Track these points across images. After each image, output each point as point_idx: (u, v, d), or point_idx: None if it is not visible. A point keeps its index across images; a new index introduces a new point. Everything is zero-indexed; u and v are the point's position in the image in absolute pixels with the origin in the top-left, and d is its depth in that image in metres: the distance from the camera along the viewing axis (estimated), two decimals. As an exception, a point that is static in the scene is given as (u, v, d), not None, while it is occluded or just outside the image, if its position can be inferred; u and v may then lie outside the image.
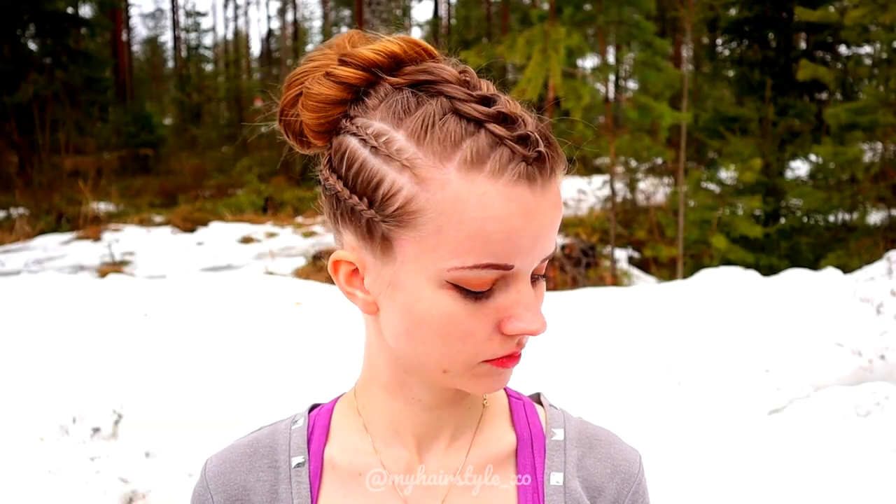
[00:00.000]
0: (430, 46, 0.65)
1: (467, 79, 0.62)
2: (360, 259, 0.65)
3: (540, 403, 0.80)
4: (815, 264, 9.54)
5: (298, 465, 0.74)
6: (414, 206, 0.59)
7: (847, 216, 12.19)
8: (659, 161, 13.54)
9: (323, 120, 0.65)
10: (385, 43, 0.64)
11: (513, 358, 0.65)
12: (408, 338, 0.64)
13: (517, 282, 0.62)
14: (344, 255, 0.66)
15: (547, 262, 0.64)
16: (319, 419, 0.77)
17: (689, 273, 9.21)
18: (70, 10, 21.26)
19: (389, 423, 0.72)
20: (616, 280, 10.03)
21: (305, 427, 0.76)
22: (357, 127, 0.62)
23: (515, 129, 0.59)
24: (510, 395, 0.79)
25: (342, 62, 0.64)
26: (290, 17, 37.58)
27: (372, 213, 0.61)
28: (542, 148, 0.59)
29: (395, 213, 0.60)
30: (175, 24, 36.43)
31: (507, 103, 0.61)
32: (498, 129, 0.58)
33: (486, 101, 0.60)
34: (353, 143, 0.63)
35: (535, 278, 0.64)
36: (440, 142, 0.58)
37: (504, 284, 0.61)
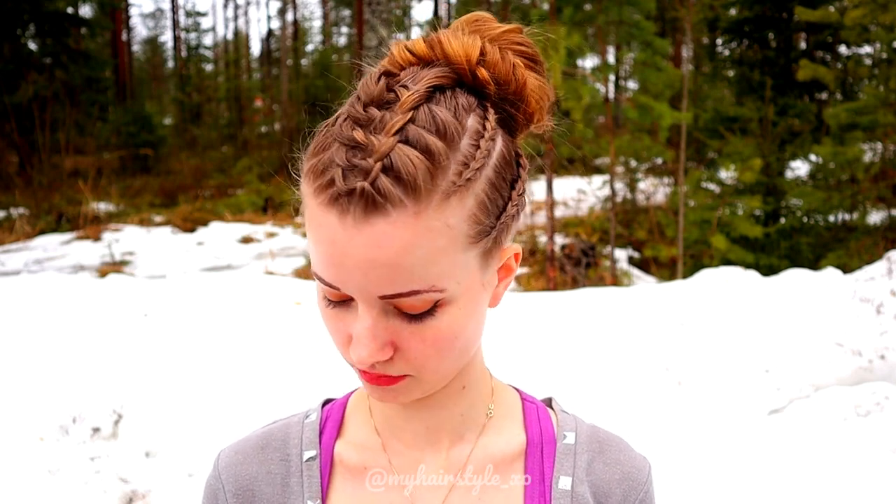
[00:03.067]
0: (453, 51, 0.61)
1: (372, 94, 0.59)
2: None
3: (552, 408, 0.80)
4: (815, 264, 9.54)
5: (310, 458, 0.74)
6: (303, 205, 0.62)
7: (847, 216, 12.19)
8: (659, 161, 13.53)
9: None
10: (415, 42, 0.63)
11: (369, 377, 0.64)
12: None
13: (360, 309, 0.60)
14: None
15: (435, 301, 0.59)
16: (332, 414, 0.78)
17: (689, 273, 9.20)
18: (70, 10, 21.26)
19: (391, 419, 0.73)
20: (616, 280, 10.02)
21: (318, 421, 0.77)
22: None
23: (354, 158, 0.56)
24: (524, 398, 0.79)
25: (389, 59, 0.64)
26: (290, 17, 37.57)
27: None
28: (364, 184, 0.55)
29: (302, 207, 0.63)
30: (175, 24, 36.44)
31: (378, 126, 0.57)
32: (337, 153, 0.57)
33: (363, 122, 0.57)
34: None
35: (411, 317, 0.60)
36: (312, 147, 0.61)
37: (354, 306, 0.61)
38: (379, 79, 0.60)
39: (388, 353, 0.61)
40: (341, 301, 0.62)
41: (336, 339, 0.64)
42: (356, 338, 0.60)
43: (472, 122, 0.60)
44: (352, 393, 0.80)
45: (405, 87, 0.59)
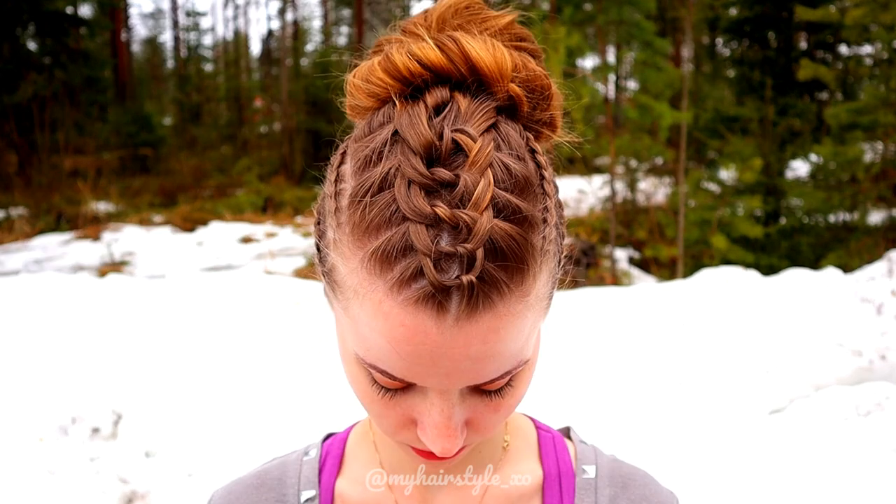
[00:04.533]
0: (483, 60, 0.51)
1: (435, 151, 0.48)
2: None
3: (569, 438, 0.74)
4: (815, 264, 9.53)
5: (308, 500, 0.68)
6: (336, 276, 0.52)
7: (847, 216, 12.18)
8: (659, 161, 13.53)
9: (353, 115, 0.57)
10: (427, 50, 0.51)
11: (433, 457, 0.56)
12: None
13: (435, 395, 0.52)
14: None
15: (511, 375, 0.53)
16: (332, 450, 0.72)
17: (689, 273, 9.20)
18: (70, 9, 21.24)
19: (393, 456, 0.67)
20: (616, 280, 10.02)
21: (317, 459, 0.71)
22: (339, 154, 0.55)
23: (443, 243, 0.46)
24: (539, 427, 0.73)
25: (381, 64, 0.53)
26: (289, 17, 37.58)
27: (318, 258, 0.55)
28: (470, 276, 0.45)
29: (327, 272, 0.53)
30: (175, 23, 36.43)
31: (465, 196, 0.46)
32: (418, 237, 0.45)
33: (436, 187, 0.47)
34: (329, 174, 0.55)
35: (487, 392, 0.54)
36: (362, 220, 0.48)
37: (422, 389, 0.52)
38: (429, 120, 0.49)
39: (464, 435, 0.54)
40: (396, 388, 0.53)
41: (388, 421, 0.55)
42: (435, 428, 0.52)
43: (529, 159, 0.51)
44: (353, 426, 0.74)
45: (463, 132, 0.48)
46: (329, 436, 0.74)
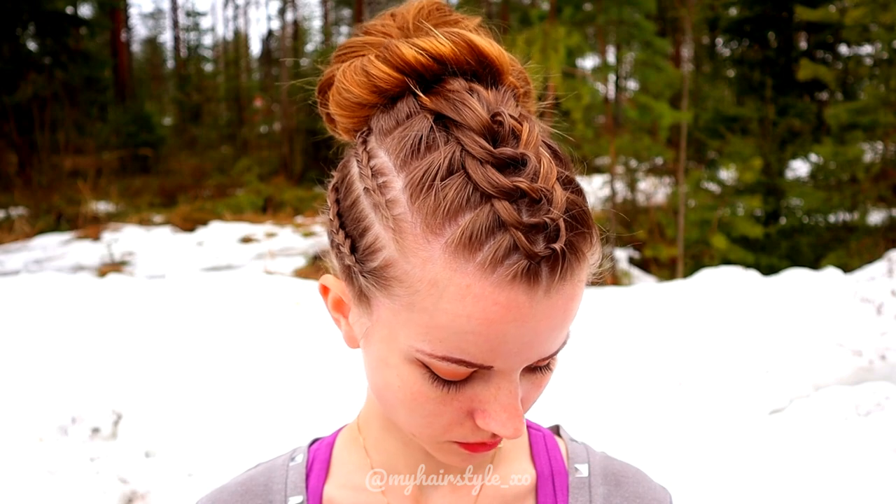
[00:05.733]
0: (491, 52, 0.53)
1: (498, 124, 0.49)
2: (344, 293, 0.57)
3: (559, 436, 0.74)
4: (815, 264, 9.54)
5: None
6: (392, 272, 0.50)
7: (847, 216, 12.19)
8: (659, 161, 13.53)
9: (348, 119, 0.56)
10: (435, 42, 0.52)
11: (486, 446, 0.56)
12: (377, 392, 0.57)
13: (499, 378, 0.52)
14: (330, 282, 0.58)
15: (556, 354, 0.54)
16: (319, 454, 0.70)
17: (689, 273, 9.20)
18: (70, 9, 21.24)
19: (390, 459, 0.66)
20: (616, 280, 10.02)
21: (304, 464, 0.69)
22: (361, 152, 0.53)
23: (532, 215, 0.47)
24: (530, 426, 0.72)
25: (381, 55, 0.53)
26: (289, 17, 37.58)
27: (353, 259, 0.53)
28: (559, 244, 0.47)
29: (373, 271, 0.51)
30: (175, 23, 36.43)
31: (536, 171, 0.48)
32: (506, 212, 0.46)
33: (508, 164, 0.48)
34: (354, 170, 0.53)
35: (536, 368, 0.55)
36: (433, 208, 0.47)
37: (483, 375, 0.52)
38: (482, 104, 0.50)
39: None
40: (458, 380, 0.52)
41: (441, 421, 0.54)
42: (505, 410, 0.52)
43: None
44: (340, 430, 0.72)
45: (510, 115, 0.50)
46: (315, 441, 0.73)
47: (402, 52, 0.51)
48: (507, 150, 0.48)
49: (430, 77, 0.52)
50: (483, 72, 0.53)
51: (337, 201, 0.55)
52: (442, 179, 0.48)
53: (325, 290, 0.59)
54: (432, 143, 0.49)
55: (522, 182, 0.46)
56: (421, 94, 0.51)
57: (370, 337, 0.54)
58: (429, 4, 0.57)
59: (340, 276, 0.56)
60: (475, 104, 0.50)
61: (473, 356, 0.49)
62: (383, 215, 0.50)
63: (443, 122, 0.50)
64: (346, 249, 0.53)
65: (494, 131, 0.49)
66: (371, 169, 0.51)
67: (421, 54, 0.51)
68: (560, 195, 0.48)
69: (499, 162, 0.47)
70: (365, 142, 0.54)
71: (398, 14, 0.57)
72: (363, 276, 0.52)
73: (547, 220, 0.46)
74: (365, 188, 0.51)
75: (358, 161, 0.53)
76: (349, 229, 0.53)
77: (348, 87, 0.54)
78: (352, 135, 0.57)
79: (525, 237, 0.46)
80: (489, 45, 0.53)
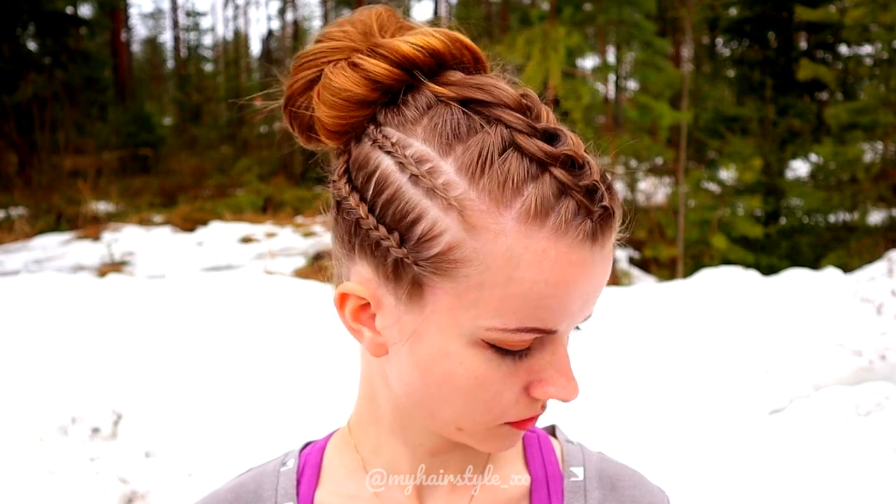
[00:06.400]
0: (478, 49, 0.56)
1: (528, 105, 0.53)
2: (375, 296, 0.55)
3: (555, 436, 0.73)
4: (815, 264, 9.54)
5: None
6: (457, 254, 0.50)
7: (847, 216, 12.19)
8: (659, 161, 13.54)
9: (343, 120, 0.55)
10: (426, 37, 0.54)
11: (533, 420, 0.59)
12: (422, 393, 0.56)
13: (554, 343, 0.55)
14: (355, 288, 0.56)
15: None
16: (310, 459, 0.69)
17: (689, 273, 9.20)
18: (70, 9, 21.24)
19: (390, 461, 0.65)
20: (616, 280, 10.02)
21: (295, 469, 0.68)
22: (393, 144, 0.53)
23: (582, 178, 0.51)
24: None
25: (374, 53, 0.54)
26: (289, 17, 37.59)
27: (403, 252, 0.52)
28: (607, 202, 0.51)
29: (432, 259, 0.51)
30: (175, 23, 36.43)
31: (572, 142, 0.52)
32: (564, 177, 0.50)
33: (550, 136, 0.51)
34: (386, 163, 0.53)
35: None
36: (500, 184, 0.49)
37: (540, 344, 0.54)
38: (512, 86, 0.54)
39: None
40: (523, 349, 0.54)
41: (505, 398, 0.55)
42: (564, 374, 0.55)
43: None
44: (332, 434, 0.71)
45: (528, 92, 0.55)
46: (307, 444, 0.72)
47: (401, 48, 0.53)
48: (544, 125, 0.52)
49: (426, 71, 0.54)
50: (471, 64, 0.56)
51: (363, 198, 0.54)
52: (500, 155, 0.50)
53: (342, 301, 0.57)
54: (472, 127, 0.51)
55: (569, 150, 0.51)
56: (434, 85, 0.53)
57: (421, 334, 0.54)
58: (384, 12, 0.58)
59: (374, 276, 0.55)
60: (503, 85, 0.53)
61: (545, 321, 0.52)
62: (443, 198, 0.50)
63: (471, 106, 0.52)
64: (391, 243, 0.52)
65: (528, 107, 0.53)
66: (413, 157, 0.52)
67: (418, 49, 0.53)
68: (593, 161, 0.52)
69: (543, 135, 0.51)
70: (382, 132, 0.54)
71: (357, 21, 0.57)
72: (417, 265, 0.52)
73: (595, 182, 0.51)
74: (412, 175, 0.51)
75: (392, 153, 0.53)
76: (391, 222, 0.52)
77: (345, 87, 0.54)
78: (339, 139, 0.56)
79: (585, 199, 0.50)
80: (471, 39, 0.56)
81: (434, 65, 0.54)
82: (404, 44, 0.53)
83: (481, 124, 0.51)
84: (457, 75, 0.54)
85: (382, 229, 0.52)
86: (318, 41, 0.57)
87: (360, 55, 0.55)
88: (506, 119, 0.51)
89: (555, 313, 0.52)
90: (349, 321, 0.58)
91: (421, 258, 0.51)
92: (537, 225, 0.49)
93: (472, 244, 0.50)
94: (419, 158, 0.52)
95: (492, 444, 0.59)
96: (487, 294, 0.50)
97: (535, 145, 0.50)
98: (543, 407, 0.57)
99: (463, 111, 0.52)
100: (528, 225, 0.49)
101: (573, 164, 0.51)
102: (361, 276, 0.56)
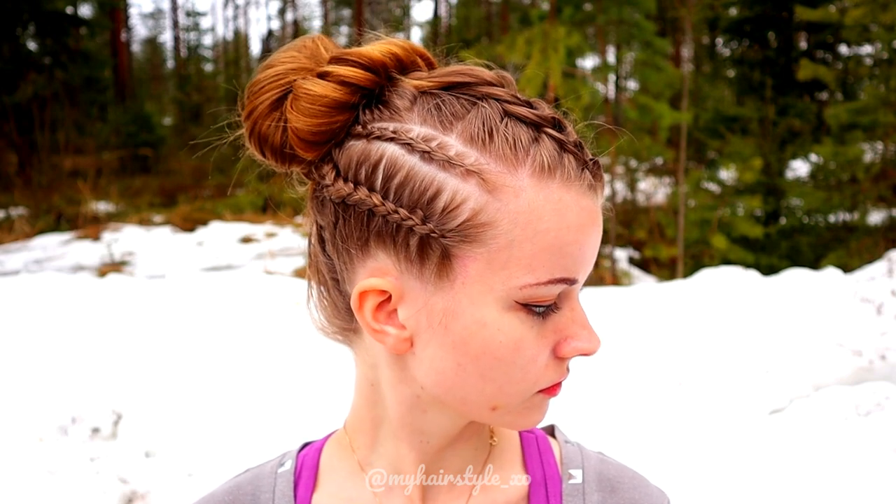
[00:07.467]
0: (429, 54, 0.61)
1: (507, 79, 0.58)
2: (397, 287, 0.56)
3: (553, 436, 0.73)
4: (815, 264, 9.54)
5: None
6: (483, 217, 0.53)
7: (847, 216, 12.19)
8: (659, 161, 13.54)
9: (325, 126, 0.56)
10: (387, 45, 0.58)
11: (560, 385, 0.60)
12: (457, 375, 0.56)
13: (571, 298, 0.58)
14: (374, 283, 0.56)
15: None
16: (307, 461, 0.69)
17: (689, 273, 9.20)
18: (70, 9, 21.22)
19: (389, 461, 0.65)
20: (616, 280, 10.02)
21: (292, 471, 0.68)
22: (394, 131, 0.55)
23: (570, 136, 0.56)
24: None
25: (342, 61, 0.57)
26: (289, 17, 37.59)
27: (429, 228, 0.53)
28: (591, 155, 0.57)
29: (459, 227, 0.53)
30: (175, 23, 36.43)
31: (546, 107, 0.57)
32: (558, 135, 0.55)
33: (531, 105, 0.56)
34: (391, 149, 0.54)
35: None
36: (510, 146, 0.53)
37: (561, 301, 0.57)
38: (490, 69, 0.60)
39: None
40: (551, 304, 0.56)
41: (540, 360, 0.57)
42: (585, 327, 0.58)
43: None
44: (329, 436, 0.71)
45: (499, 71, 0.61)
46: (305, 445, 0.72)
47: (370, 53, 0.57)
48: (523, 96, 0.57)
49: (395, 72, 0.58)
50: (425, 68, 0.60)
51: (371, 188, 0.55)
52: (500, 122, 0.54)
53: (361, 301, 0.57)
54: (466, 106, 0.55)
55: (554, 113, 0.56)
56: (407, 80, 0.57)
57: (454, 310, 0.55)
58: (325, 38, 0.61)
59: (395, 265, 0.55)
60: (478, 67, 0.58)
61: (569, 270, 0.55)
62: (460, 167, 0.53)
63: (456, 90, 0.56)
64: (415, 222, 0.53)
65: (508, 81, 0.58)
66: (420, 138, 0.54)
67: (385, 55, 0.57)
68: (569, 122, 0.58)
69: (529, 103, 0.56)
70: (381, 128, 0.56)
71: (302, 48, 0.59)
72: (444, 237, 0.53)
73: (579, 140, 0.57)
74: (424, 153, 0.54)
75: (395, 139, 0.55)
76: (409, 202, 0.54)
77: (324, 93, 0.56)
78: (315, 150, 0.57)
79: (579, 153, 0.56)
80: (421, 46, 0.61)
81: (398, 69, 0.58)
82: (373, 50, 0.57)
83: (473, 101, 0.55)
84: (424, 72, 0.59)
85: (403, 210, 0.54)
86: (267, 67, 0.59)
87: (326, 66, 0.57)
88: (493, 93, 0.56)
89: (576, 260, 0.55)
90: (370, 322, 0.57)
91: (448, 229, 0.53)
92: (548, 178, 0.54)
93: (495, 205, 0.53)
94: (425, 137, 0.54)
95: (528, 416, 0.60)
96: (517, 251, 0.53)
97: (527, 111, 0.55)
98: (568, 370, 0.60)
99: (450, 94, 0.56)
100: (541, 179, 0.53)
101: (560, 126, 0.56)
102: (377, 269, 0.56)
